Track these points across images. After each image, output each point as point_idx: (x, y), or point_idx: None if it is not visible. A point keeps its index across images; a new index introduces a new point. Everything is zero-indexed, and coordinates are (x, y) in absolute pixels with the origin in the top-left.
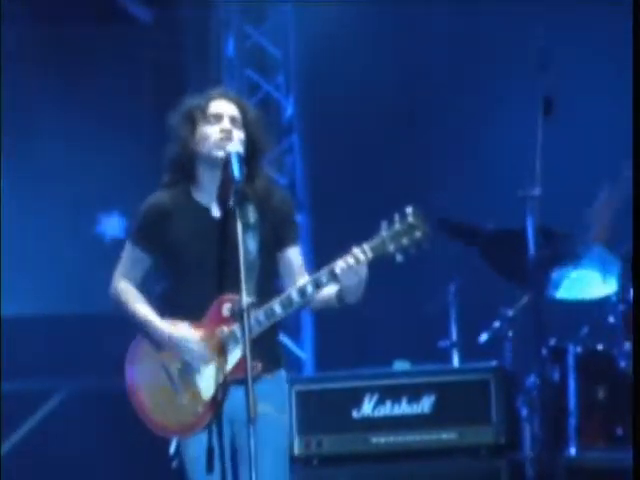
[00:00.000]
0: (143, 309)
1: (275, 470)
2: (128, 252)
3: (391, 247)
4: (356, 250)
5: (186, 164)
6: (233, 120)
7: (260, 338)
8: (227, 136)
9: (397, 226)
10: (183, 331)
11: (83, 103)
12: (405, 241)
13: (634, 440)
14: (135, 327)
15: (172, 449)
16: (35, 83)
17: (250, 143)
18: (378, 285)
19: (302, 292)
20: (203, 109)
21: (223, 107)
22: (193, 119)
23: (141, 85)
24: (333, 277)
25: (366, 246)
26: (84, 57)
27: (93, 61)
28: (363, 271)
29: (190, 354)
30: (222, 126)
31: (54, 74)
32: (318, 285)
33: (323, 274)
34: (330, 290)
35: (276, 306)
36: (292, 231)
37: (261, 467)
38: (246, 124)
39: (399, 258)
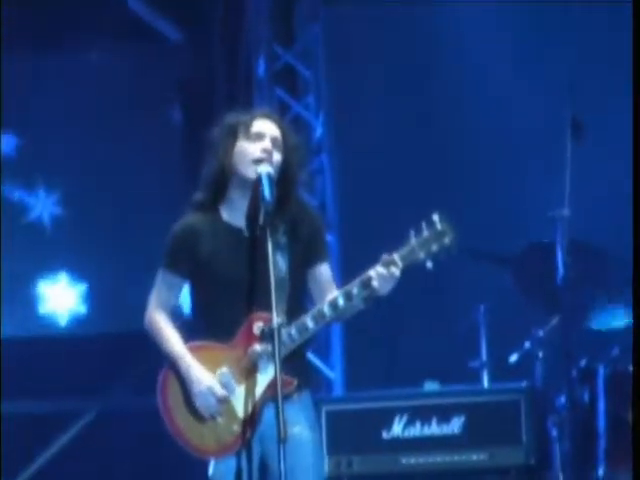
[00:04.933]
0: (174, 344)
1: None
2: (161, 277)
3: (421, 254)
4: (386, 259)
5: (221, 183)
6: (274, 141)
7: (292, 355)
8: (267, 157)
9: (425, 233)
10: (206, 381)
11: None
12: (434, 247)
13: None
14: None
15: (211, 471)
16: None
17: (287, 166)
18: (408, 305)
19: (334, 305)
20: (246, 126)
21: (266, 127)
22: (235, 135)
23: (169, 106)
24: (364, 288)
25: (396, 255)
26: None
27: (117, 81)
28: (393, 280)
29: (208, 404)
30: (263, 145)
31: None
32: (349, 297)
33: (354, 286)
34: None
35: (308, 321)
36: (322, 248)
37: None
38: (285, 147)
39: (429, 265)
